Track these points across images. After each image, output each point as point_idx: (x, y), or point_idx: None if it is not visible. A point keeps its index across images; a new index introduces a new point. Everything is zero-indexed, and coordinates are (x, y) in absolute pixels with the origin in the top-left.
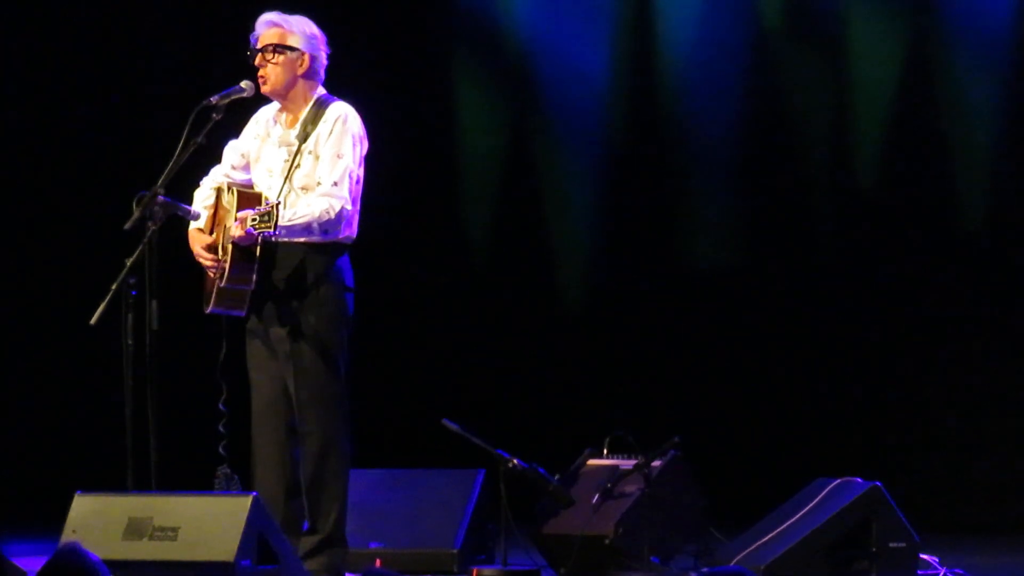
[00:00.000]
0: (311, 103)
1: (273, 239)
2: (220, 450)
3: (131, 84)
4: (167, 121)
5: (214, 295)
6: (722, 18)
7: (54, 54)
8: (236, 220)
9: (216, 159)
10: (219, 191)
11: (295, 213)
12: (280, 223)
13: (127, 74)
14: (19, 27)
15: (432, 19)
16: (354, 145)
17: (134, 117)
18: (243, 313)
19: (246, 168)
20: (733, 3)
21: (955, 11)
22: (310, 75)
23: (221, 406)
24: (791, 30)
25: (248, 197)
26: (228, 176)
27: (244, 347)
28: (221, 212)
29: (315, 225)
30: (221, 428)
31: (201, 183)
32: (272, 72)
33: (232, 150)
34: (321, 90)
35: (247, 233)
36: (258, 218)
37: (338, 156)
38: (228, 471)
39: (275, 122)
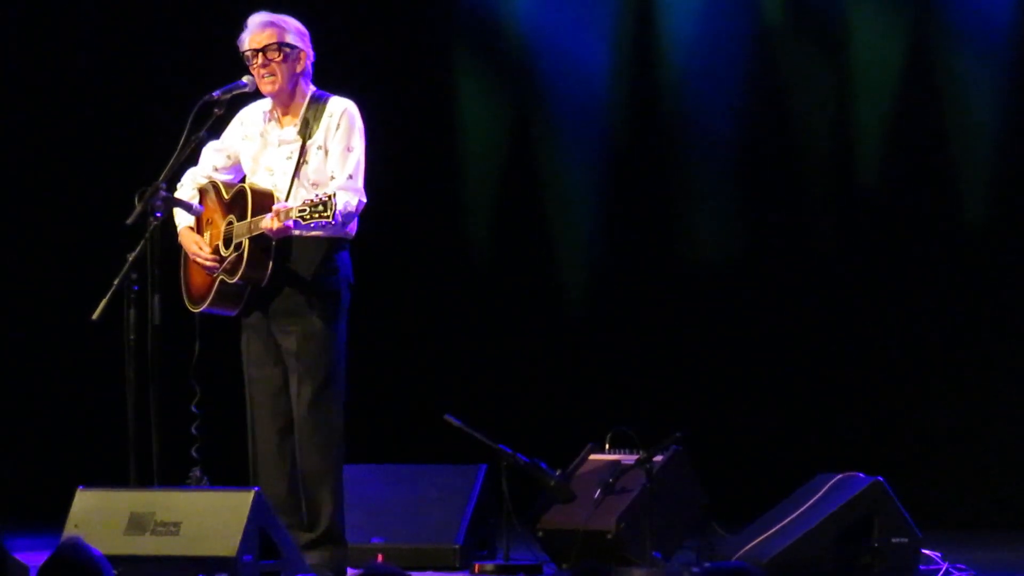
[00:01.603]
0: (307, 100)
1: (323, 231)
2: (193, 453)
3: (132, 79)
4: (169, 116)
5: (213, 293)
6: (723, 14)
7: (55, 50)
8: (271, 213)
9: None
10: (203, 191)
11: None
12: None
13: (128, 69)
14: (20, 23)
15: (433, 16)
16: (361, 139)
17: (136, 112)
18: (235, 312)
19: (231, 170)
20: None
21: (956, 8)
22: (306, 73)
23: (194, 408)
24: (792, 26)
25: (262, 195)
26: (210, 178)
27: (238, 344)
28: (208, 212)
29: (339, 217)
30: (194, 431)
31: (180, 185)
32: (279, 71)
33: (215, 152)
34: (312, 87)
35: (285, 226)
36: (308, 209)
37: (348, 149)
38: (199, 474)
39: (266, 122)
